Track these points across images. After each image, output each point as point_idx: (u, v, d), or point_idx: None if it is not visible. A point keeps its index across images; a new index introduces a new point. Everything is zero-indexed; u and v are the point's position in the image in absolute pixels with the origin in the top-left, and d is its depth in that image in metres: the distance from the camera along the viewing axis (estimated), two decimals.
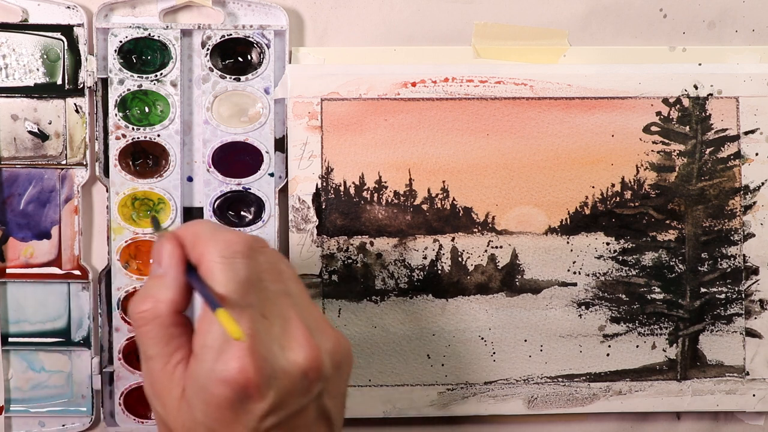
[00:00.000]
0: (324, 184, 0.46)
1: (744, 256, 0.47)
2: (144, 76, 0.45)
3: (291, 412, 0.30)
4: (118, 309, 0.46)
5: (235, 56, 0.46)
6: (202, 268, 0.31)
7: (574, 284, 0.46)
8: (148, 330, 0.31)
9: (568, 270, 0.46)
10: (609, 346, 0.47)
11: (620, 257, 0.46)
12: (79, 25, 0.45)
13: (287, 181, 0.46)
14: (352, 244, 0.46)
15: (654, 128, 0.46)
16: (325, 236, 0.46)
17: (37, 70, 0.45)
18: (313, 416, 0.32)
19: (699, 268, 0.47)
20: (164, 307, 0.31)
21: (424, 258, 0.46)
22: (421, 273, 0.46)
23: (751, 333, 0.47)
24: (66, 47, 0.45)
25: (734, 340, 0.47)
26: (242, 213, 0.47)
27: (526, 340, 0.46)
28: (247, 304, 0.30)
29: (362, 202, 0.46)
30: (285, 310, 0.31)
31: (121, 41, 0.45)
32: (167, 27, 0.45)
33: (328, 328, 0.33)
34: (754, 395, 0.47)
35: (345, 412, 0.34)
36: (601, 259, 0.46)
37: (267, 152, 0.46)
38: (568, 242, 0.46)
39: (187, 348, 0.31)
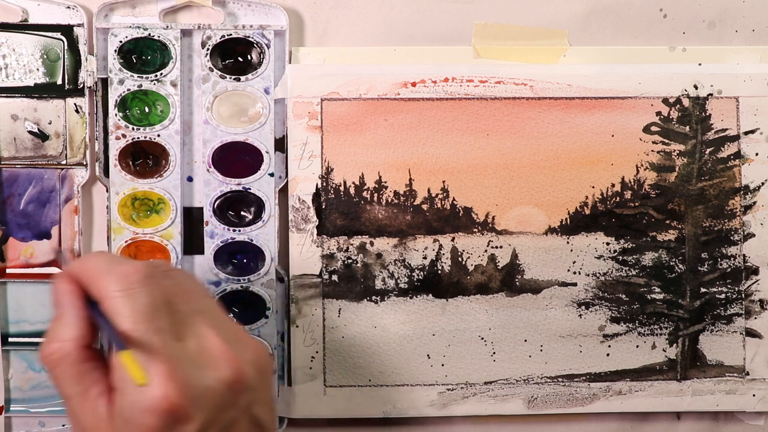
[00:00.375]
0: (324, 184, 0.46)
1: (744, 256, 0.47)
2: (144, 76, 0.45)
3: (222, 427, 0.31)
4: None
5: (235, 56, 0.46)
6: (104, 304, 0.31)
7: (574, 284, 0.46)
8: (59, 371, 0.31)
9: (568, 270, 0.46)
10: (609, 346, 0.47)
11: (620, 257, 0.46)
12: (79, 25, 0.45)
13: (287, 181, 0.46)
14: (352, 244, 0.46)
15: (654, 128, 0.46)
16: (325, 236, 0.46)
17: (37, 70, 0.45)
18: (246, 427, 0.32)
19: (699, 268, 0.47)
20: (70, 345, 0.31)
21: (424, 258, 0.46)
22: (421, 273, 0.46)
23: (751, 333, 0.47)
24: (66, 47, 0.45)
25: (734, 340, 0.47)
26: (242, 213, 0.47)
27: (526, 340, 0.46)
28: (157, 331, 0.30)
29: (362, 202, 0.46)
30: (199, 329, 0.32)
31: (121, 41, 0.45)
32: (167, 27, 0.45)
33: (245, 338, 0.33)
34: (754, 395, 0.47)
35: (277, 417, 0.35)
36: (601, 259, 0.46)
37: (267, 152, 0.46)
38: (568, 242, 0.46)
39: (104, 382, 0.31)
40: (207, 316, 0.33)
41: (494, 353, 0.46)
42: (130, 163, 0.46)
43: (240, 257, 0.47)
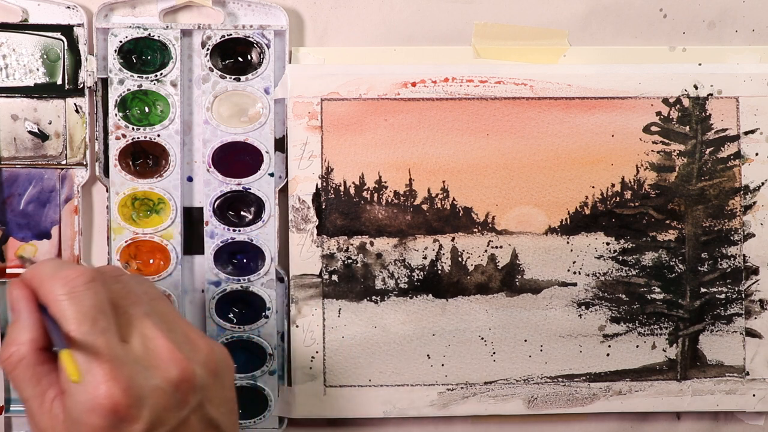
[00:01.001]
0: (324, 184, 0.46)
1: (744, 256, 0.47)
2: (144, 76, 0.45)
3: (171, 427, 0.31)
4: None
5: (235, 56, 0.46)
6: (51, 307, 0.32)
7: (574, 284, 0.46)
8: (17, 374, 0.32)
9: (568, 270, 0.46)
10: (609, 346, 0.47)
11: (620, 257, 0.46)
12: (79, 25, 0.45)
13: (287, 181, 0.46)
14: (352, 244, 0.46)
15: (654, 128, 0.46)
16: (325, 236, 0.46)
17: (37, 70, 0.45)
18: (199, 427, 0.33)
19: (699, 268, 0.47)
20: (25, 348, 0.32)
21: (424, 258, 0.46)
22: (421, 273, 0.46)
23: (751, 333, 0.47)
24: (66, 47, 0.45)
25: (734, 340, 0.47)
26: (242, 213, 0.47)
27: (526, 340, 0.46)
28: (101, 332, 0.31)
29: (362, 202, 0.46)
30: (146, 330, 0.33)
31: (121, 41, 0.45)
32: (167, 27, 0.45)
33: (198, 340, 0.34)
34: (754, 395, 0.47)
35: (237, 417, 0.35)
36: (601, 259, 0.46)
37: (267, 152, 0.46)
38: (568, 242, 0.46)
39: (59, 384, 0.32)
40: (155, 318, 0.33)
41: (494, 353, 0.46)
42: (130, 163, 0.46)
43: (240, 257, 0.47)
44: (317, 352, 0.46)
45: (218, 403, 0.34)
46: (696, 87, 0.46)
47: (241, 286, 0.46)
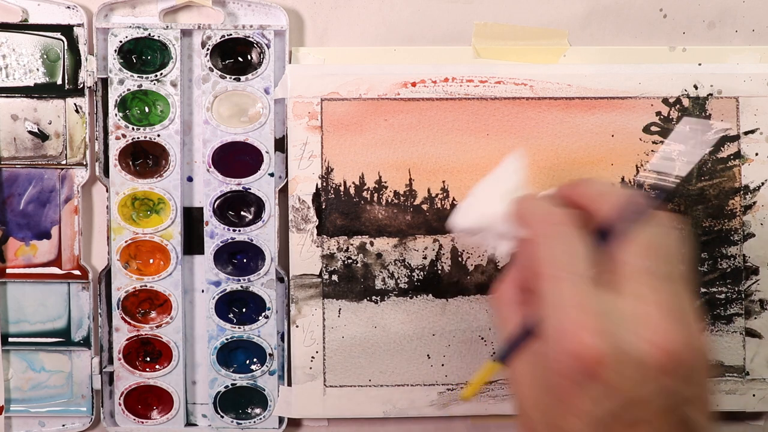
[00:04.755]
0: (324, 184, 0.46)
1: (744, 256, 0.47)
2: (144, 76, 0.45)
3: (630, 402, 0.27)
4: (118, 309, 0.46)
5: (235, 56, 0.46)
6: (528, 246, 0.31)
7: None
8: (502, 312, 0.33)
9: None
10: None
11: None
12: (79, 25, 0.45)
13: (287, 181, 0.46)
14: (352, 244, 0.46)
15: (654, 128, 0.46)
16: (325, 236, 0.46)
17: (37, 70, 0.45)
18: (668, 421, 0.28)
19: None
20: (513, 286, 0.33)
21: (424, 258, 0.46)
22: (421, 273, 0.46)
23: (751, 333, 0.47)
24: (66, 47, 0.45)
25: (734, 340, 0.47)
26: (242, 213, 0.47)
27: (499, 354, 0.46)
28: (577, 274, 0.29)
29: (362, 202, 0.46)
30: (644, 290, 0.28)
31: (121, 41, 0.45)
32: (167, 27, 0.45)
33: (697, 325, 0.29)
34: (754, 395, 0.47)
35: (710, 420, 0.30)
36: None
37: (267, 152, 0.46)
38: None
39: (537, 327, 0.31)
40: (662, 281, 0.29)
41: (494, 353, 0.46)
42: (130, 163, 0.46)
43: (240, 257, 0.47)
44: (317, 352, 0.46)
45: (698, 405, 0.29)
46: (696, 87, 0.46)
47: (241, 286, 0.46)
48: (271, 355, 0.46)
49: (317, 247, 0.46)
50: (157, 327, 0.46)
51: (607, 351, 0.27)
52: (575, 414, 0.28)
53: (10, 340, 0.47)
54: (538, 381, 0.30)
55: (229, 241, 0.46)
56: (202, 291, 0.47)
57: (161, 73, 0.45)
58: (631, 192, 0.32)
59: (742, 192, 0.46)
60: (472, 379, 0.31)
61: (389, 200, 0.46)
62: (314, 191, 0.46)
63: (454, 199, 0.46)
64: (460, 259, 0.46)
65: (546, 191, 0.35)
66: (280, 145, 0.46)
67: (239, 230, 0.46)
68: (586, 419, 0.28)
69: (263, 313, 0.46)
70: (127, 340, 0.46)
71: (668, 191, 0.31)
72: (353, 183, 0.46)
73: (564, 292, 0.29)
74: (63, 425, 0.48)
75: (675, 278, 0.29)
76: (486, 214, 0.36)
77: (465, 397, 0.33)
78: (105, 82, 0.46)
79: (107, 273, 0.46)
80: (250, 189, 0.46)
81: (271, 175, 0.46)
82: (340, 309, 0.46)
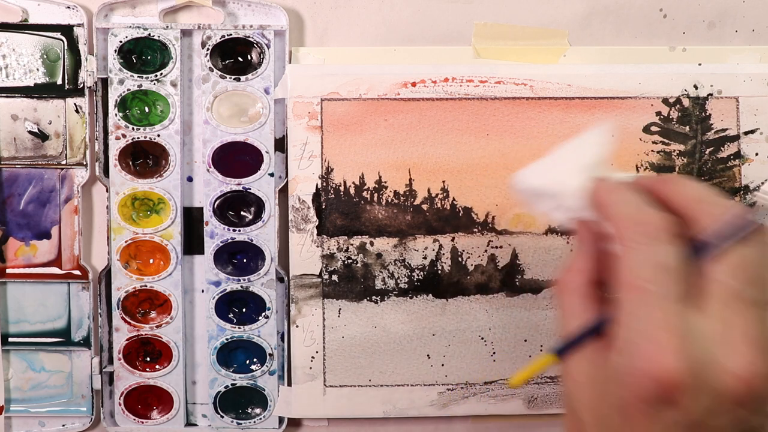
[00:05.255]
0: (324, 184, 0.46)
1: None
2: (144, 76, 0.45)
3: (701, 428, 0.26)
4: (118, 309, 0.46)
5: (235, 56, 0.46)
6: (621, 255, 0.28)
7: None
8: (565, 300, 0.31)
9: None
10: None
11: None
12: (79, 25, 0.45)
13: (287, 181, 0.46)
14: (352, 244, 0.46)
15: (654, 128, 0.46)
16: (325, 236, 0.46)
17: (37, 70, 0.45)
18: None
19: None
20: (583, 277, 0.31)
21: (424, 258, 0.46)
22: (421, 273, 0.46)
23: None
24: (66, 47, 0.45)
25: None
26: (242, 213, 0.47)
27: (526, 340, 0.46)
28: (665, 295, 0.27)
29: (362, 202, 0.46)
30: (732, 312, 0.27)
31: (121, 41, 0.45)
32: (167, 27, 0.45)
33: None
34: None
35: None
36: None
37: (267, 152, 0.46)
38: (568, 242, 0.46)
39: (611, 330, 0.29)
40: (753, 307, 0.27)
41: (494, 353, 0.46)
42: (130, 163, 0.46)
43: (240, 257, 0.47)
44: (317, 352, 0.46)
45: None
46: (696, 87, 0.46)
47: (241, 286, 0.46)
48: (271, 355, 0.46)
49: (317, 247, 0.46)
50: (157, 327, 0.46)
51: (688, 377, 0.26)
52: None
53: (10, 340, 0.47)
54: (598, 386, 0.29)
55: (229, 241, 0.46)
56: (202, 291, 0.47)
57: (161, 73, 0.45)
58: (737, 205, 0.29)
59: (742, 192, 0.46)
60: (525, 367, 0.30)
61: (389, 200, 0.46)
62: (314, 191, 0.46)
63: (454, 199, 0.46)
64: (460, 259, 0.46)
65: (626, 175, 0.33)
66: (280, 145, 0.46)
67: (239, 230, 0.46)
68: None
69: (263, 313, 0.46)
70: (127, 340, 0.46)
71: None
72: (353, 183, 0.46)
73: (647, 307, 0.27)
74: (63, 425, 0.48)
75: (765, 304, 0.28)
76: (558, 181, 0.33)
77: (513, 385, 0.31)
78: (105, 82, 0.46)
79: (107, 273, 0.46)
80: (250, 189, 0.46)
81: (271, 175, 0.46)
82: (340, 309, 0.46)
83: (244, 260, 0.47)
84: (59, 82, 0.46)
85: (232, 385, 0.47)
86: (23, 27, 0.45)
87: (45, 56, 0.45)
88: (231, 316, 0.47)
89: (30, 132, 0.46)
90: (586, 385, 0.29)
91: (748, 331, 0.26)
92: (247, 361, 0.47)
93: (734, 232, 0.28)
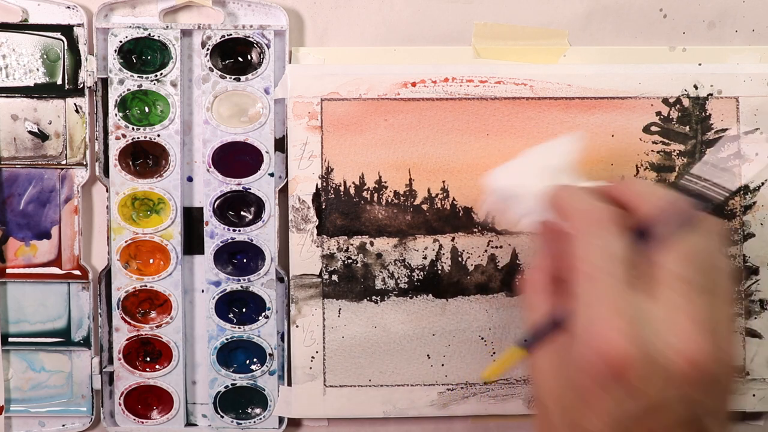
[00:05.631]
0: (324, 184, 0.46)
1: (744, 256, 0.47)
2: (144, 76, 0.45)
3: (652, 407, 0.28)
4: (118, 309, 0.46)
5: (235, 56, 0.46)
6: (571, 240, 0.30)
7: None
8: (531, 299, 0.33)
9: None
10: None
11: None
12: (79, 25, 0.45)
13: (287, 181, 0.46)
14: (352, 244, 0.46)
15: (654, 128, 0.46)
16: (325, 236, 0.46)
17: (37, 70, 0.45)
18: (684, 431, 0.28)
19: None
20: (544, 274, 0.33)
21: (424, 258, 0.46)
22: (421, 273, 0.46)
23: (751, 333, 0.47)
24: (66, 47, 0.45)
25: (734, 340, 0.47)
26: (242, 213, 0.47)
27: (526, 340, 0.46)
28: (615, 278, 0.28)
29: (362, 202, 0.46)
30: (678, 298, 0.28)
31: (121, 41, 0.45)
32: (167, 27, 0.45)
33: (730, 339, 0.29)
34: (754, 395, 0.47)
35: None
36: None
37: (267, 152, 0.46)
38: None
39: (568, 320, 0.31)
40: (698, 290, 0.28)
41: (494, 353, 0.46)
42: (130, 163, 0.46)
43: (240, 257, 0.47)
44: (317, 352, 0.46)
45: (718, 416, 0.29)
46: (696, 87, 0.46)
47: (241, 286, 0.46)
48: (271, 355, 0.46)
49: (317, 247, 0.46)
50: (157, 327, 0.46)
51: (635, 354, 0.27)
52: (596, 413, 0.28)
53: (10, 340, 0.47)
54: (561, 375, 0.30)
55: (229, 241, 0.46)
56: (202, 291, 0.47)
57: (161, 73, 0.45)
58: (676, 196, 0.31)
59: (742, 192, 0.46)
60: (495, 361, 0.31)
61: (389, 200, 0.46)
62: (314, 191, 0.46)
63: (454, 199, 0.46)
64: (460, 259, 0.46)
65: (588, 183, 0.34)
66: (280, 145, 0.46)
67: (239, 230, 0.46)
68: (606, 419, 0.28)
69: (263, 313, 0.46)
70: (127, 340, 0.46)
71: (714, 201, 0.30)
72: (353, 183, 0.46)
73: (598, 292, 0.28)
74: (63, 425, 0.48)
75: (712, 290, 0.29)
76: (524, 183, 0.35)
77: (485, 378, 0.33)
78: (105, 82, 0.46)
79: (107, 273, 0.46)
80: (250, 189, 0.46)
81: (271, 175, 0.46)
82: (340, 309, 0.46)
83: (244, 260, 0.47)
84: (59, 82, 0.46)
85: (232, 385, 0.47)
86: (23, 27, 0.45)
87: (45, 56, 0.45)
88: (231, 316, 0.47)
89: (30, 132, 0.46)
90: (550, 374, 0.31)
91: (695, 314, 0.28)
92: (247, 361, 0.47)
93: (677, 220, 0.29)
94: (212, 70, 0.45)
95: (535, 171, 0.35)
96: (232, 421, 0.47)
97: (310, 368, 0.46)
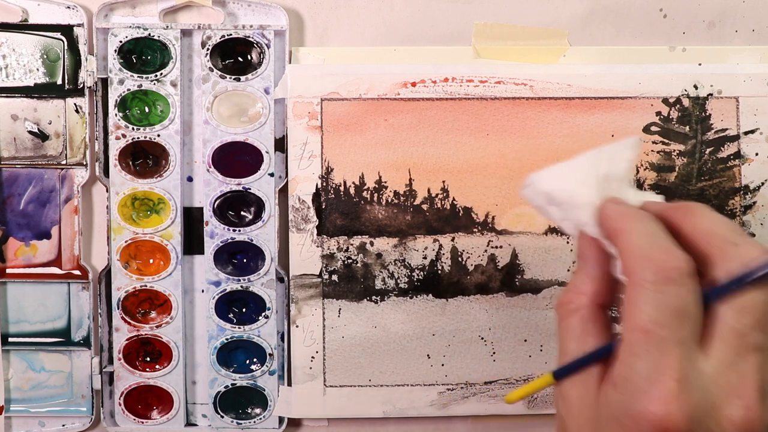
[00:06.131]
0: (324, 184, 0.46)
1: None
2: (144, 76, 0.45)
3: None
4: (118, 309, 0.46)
5: (235, 56, 0.46)
6: (628, 288, 0.27)
7: None
8: (568, 323, 0.29)
9: (568, 270, 0.46)
10: None
11: None
12: (79, 25, 0.45)
13: (287, 181, 0.46)
14: (352, 244, 0.46)
15: (654, 128, 0.46)
16: (325, 236, 0.46)
17: (37, 70, 0.45)
18: None
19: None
20: (585, 299, 0.29)
21: (424, 258, 0.46)
22: (421, 273, 0.46)
23: None
24: (66, 47, 0.45)
25: None
26: (242, 213, 0.47)
27: (526, 340, 0.46)
28: (678, 341, 0.26)
29: (362, 202, 0.46)
30: (746, 364, 0.26)
31: (121, 41, 0.45)
32: (167, 27, 0.45)
33: None
34: None
35: None
36: None
37: (267, 152, 0.46)
38: (568, 242, 0.46)
39: (607, 363, 0.28)
40: (753, 349, 0.26)
41: (494, 353, 0.46)
42: (130, 163, 0.46)
43: (240, 257, 0.47)
44: (317, 352, 0.46)
45: None
46: (696, 87, 0.46)
47: (241, 286, 0.46)
48: (271, 355, 0.46)
49: (317, 247, 0.46)
50: (157, 327, 0.46)
51: (688, 424, 0.25)
52: None
53: (10, 340, 0.47)
54: (590, 413, 0.28)
55: (229, 241, 0.46)
56: (202, 291, 0.47)
57: (161, 73, 0.45)
58: (756, 245, 0.27)
59: (742, 192, 0.46)
60: (524, 386, 0.30)
61: (389, 200, 0.46)
62: (314, 191, 0.46)
63: (454, 199, 0.46)
64: (460, 259, 0.46)
65: (642, 195, 0.31)
66: (280, 145, 0.46)
67: (239, 230, 0.46)
68: None
69: (263, 313, 0.46)
70: (127, 340, 0.46)
71: None
72: (353, 183, 0.46)
73: (656, 352, 0.26)
74: (63, 425, 0.48)
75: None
76: (570, 189, 0.31)
77: (509, 401, 0.31)
78: (105, 82, 0.46)
79: (107, 273, 0.46)
80: (250, 189, 0.46)
81: (271, 175, 0.46)
82: (340, 309, 0.46)
83: (244, 260, 0.47)
84: (59, 82, 0.46)
85: (232, 385, 0.47)
86: (23, 27, 0.45)
87: (45, 56, 0.45)
88: (231, 316, 0.47)
89: (30, 132, 0.46)
90: (578, 409, 0.29)
91: (750, 376, 0.26)
92: (247, 361, 0.47)
93: (750, 276, 0.26)
94: (212, 70, 0.45)
95: (582, 178, 0.31)
96: (232, 421, 0.47)
97: (310, 368, 0.46)
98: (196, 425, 0.48)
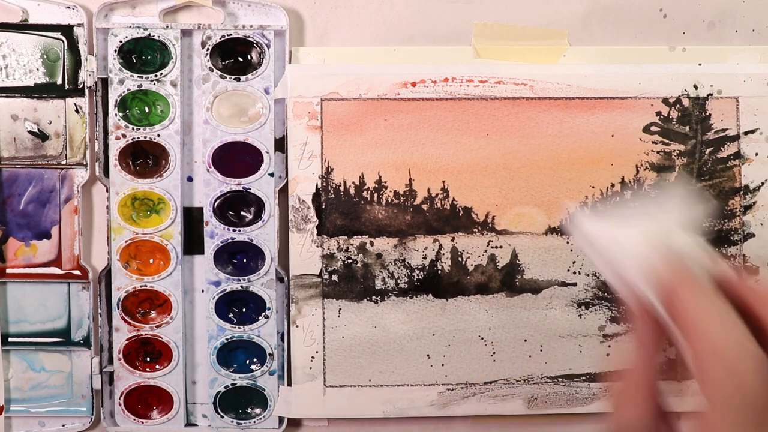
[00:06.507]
0: (324, 184, 0.46)
1: (744, 256, 0.47)
2: (144, 76, 0.45)
3: None
4: (118, 309, 0.46)
5: (235, 56, 0.46)
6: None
7: (574, 284, 0.46)
8: (625, 411, 0.28)
9: (568, 270, 0.46)
10: (609, 346, 0.47)
11: None
12: (79, 25, 0.45)
13: (287, 181, 0.46)
14: (352, 244, 0.46)
15: (654, 128, 0.46)
16: (325, 236, 0.46)
17: (37, 70, 0.45)
18: None
19: None
20: (641, 384, 0.28)
21: (424, 258, 0.46)
22: (421, 273, 0.46)
23: None
24: (66, 47, 0.45)
25: None
26: (242, 213, 0.47)
27: (526, 340, 0.46)
28: None
29: (362, 202, 0.46)
30: None
31: (121, 41, 0.45)
32: (167, 27, 0.45)
33: None
34: None
35: None
36: None
37: (267, 152, 0.46)
38: (567, 242, 0.46)
39: None
40: None
41: (494, 353, 0.46)
42: (130, 163, 0.46)
43: (240, 257, 0.47)
44: (317, 352, 0.46)
45: None
46: (696, 87, 0.46)
47: (241, 286, 0.46)
48: (271, 355, 0.46)
49: (317, 247, 0.46)
50: (157, 327, 0.46)
51: None
52: None
53: (10, 340, 0.47)
54: None
55: (229, 241, 0.46)
56: (202, 291, 0.47)
57: (161, 73, 0.45)
58: None
59: (742, 192, 0.46)
60: None
61: (389, 200, 0.46)
62: (314, 191, 0.46)
63: (454, 199, 0.46)
64: (460, 259, 0.46)
65: (710, 262, 0.28)
66: (280, 145, 0.46)
67: (239, 230, 0.46)
68: None
69: (263, 313, 0.46)
70: (127, 340, 0.46)
71: None
72: (353, 183, 0.46)
73: None
74: (63, 425, 0.48)
75: None
76: (622, 241, 0.28)
77: None
78: (105, 82, 0.46)
79: (107, 273, 0.46)
80: (250, 189, 0.46)
81: (271, 175, 0.46)
82: (340, 309, 0.46)
83: (244, 260, 0.47)
84: (59, 82, 0.46)
85: (232, 385, 0.47)
86: (23, 27, 0.45)
87: (45, 56, 0.45)
88: (231, 316, 0.47)
89: (30, 132, 0.46)
90: None
91: None
92: (247, 361, 0.47)
93: None
94: (212, 70, 0.45)
95: (638, 232, 0.28)
96: (232, 421, 0.47)
97: (310, 368, 0.46)
98: (196, 425, 0.48)
